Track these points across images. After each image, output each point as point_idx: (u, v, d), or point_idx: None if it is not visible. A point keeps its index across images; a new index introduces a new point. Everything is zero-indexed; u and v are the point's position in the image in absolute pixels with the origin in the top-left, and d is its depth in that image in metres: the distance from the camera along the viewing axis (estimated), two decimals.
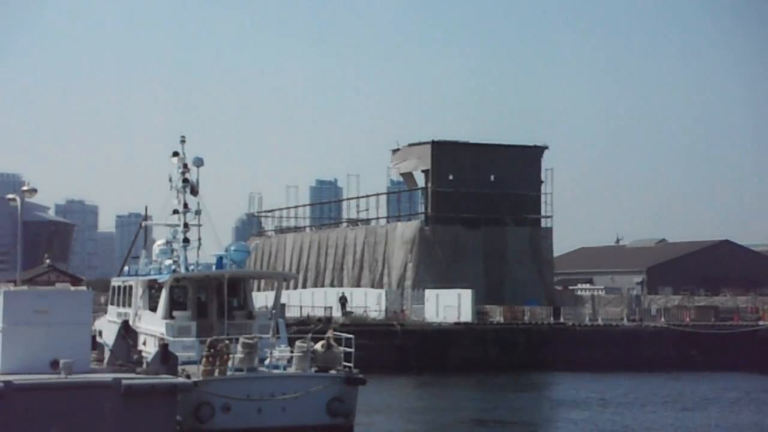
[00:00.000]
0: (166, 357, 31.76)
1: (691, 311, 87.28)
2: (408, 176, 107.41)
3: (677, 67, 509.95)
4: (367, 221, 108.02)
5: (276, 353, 34.10)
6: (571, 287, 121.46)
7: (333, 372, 33.50)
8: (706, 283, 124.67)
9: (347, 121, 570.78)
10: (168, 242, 42.25)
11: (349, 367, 33.98)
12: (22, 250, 42.95)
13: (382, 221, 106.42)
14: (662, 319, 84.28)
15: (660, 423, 46.12)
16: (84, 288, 35.36)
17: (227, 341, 32.99)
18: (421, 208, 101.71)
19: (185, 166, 40.77)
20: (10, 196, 39.96)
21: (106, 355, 35.69)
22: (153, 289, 40.19)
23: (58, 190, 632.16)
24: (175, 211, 41.02)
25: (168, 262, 41.11)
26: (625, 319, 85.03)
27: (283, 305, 60.75)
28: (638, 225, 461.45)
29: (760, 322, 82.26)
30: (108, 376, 29.62)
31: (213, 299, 39.00)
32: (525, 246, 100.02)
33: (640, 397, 55.95)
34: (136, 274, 43.60)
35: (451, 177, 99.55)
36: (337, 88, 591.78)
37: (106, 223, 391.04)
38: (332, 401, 33.00)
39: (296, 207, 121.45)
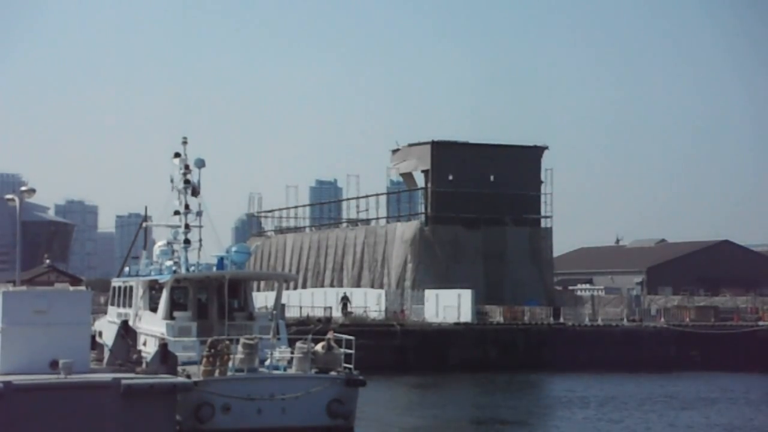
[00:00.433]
0: (165, 357, 31.79)
1: (691, 311, 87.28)
2: (408, 176, 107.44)
3: (677, 67, 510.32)
4: (367, 221, 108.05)
5: (276, 354, 34.10)
6: (570, 287, 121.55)
7: (333, 373, 33.49)
8: (706, 283, 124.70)
9: (347, 121, 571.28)
10: (169, 243, 42.29)
11: (350, 369, 33.97)
12: (21, 251, 42.90)
13: (382, 221, 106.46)
14: (662, 319, 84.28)
15: (660, 423, 46.09)
16: (83, 288, 35.34)
17: (228, 342, 33.00)
18: (420, 209, 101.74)
19: (187, 167, 40.81)
20: (9, 196, 39.97)
21: (106, 355, 35.70)
22: (154, 289, 40.21)
23: (58, 190, 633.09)
24: (177, 212, 41.05)
25: (169, 262, 41.16)
26: (625, 320, 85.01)
27: (283, 305, 60.70)
28: (638, 225, 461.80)
29: (760, 322, 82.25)
30: (107, 376, 29.62)
31: (213, 300, 39.02)
32: (525, 246, 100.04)
33: (639, 397, 55.93)
34: (137, 275, 43.61)
35: (450, 177, 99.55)
36: (337, 88, 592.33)
37: (106, 224, 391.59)
38: (332, 402, 32.99)
39: (296, 207, 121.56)
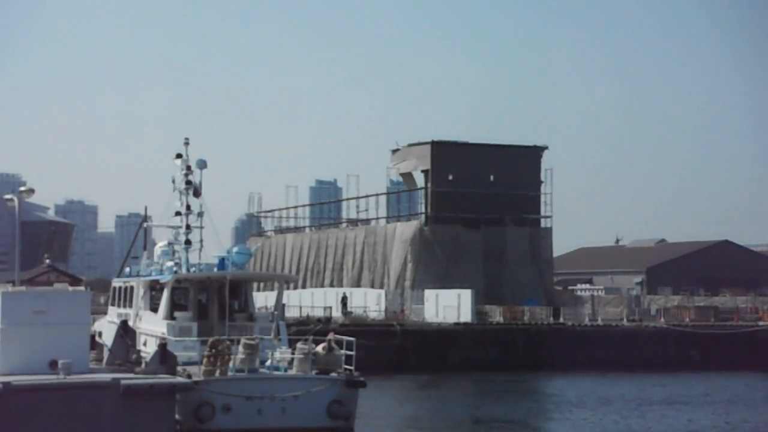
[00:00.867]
0: (164, 357, 31.79)
1: (690, 311, 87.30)
2: (408, 176, 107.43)
3: (677, 67, 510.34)
4: (367, 221, 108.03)
5: (277, 355, 34.09)
6: (570, 287, 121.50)
7: (334, 374, 33.47)
8: (706, 283, 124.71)
9: (347, 121, 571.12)
10: (170, 243, 42.29)
11: (350, 370, 33.95)
12: (21, 251, 42.93)
13: (382, 221, 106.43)
14: (662, 319, 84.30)
15: (659, 422, 46.07)
16: (82, 288, 35.34)
17: (228, 342, 32.99)
18: (420, 208, 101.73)
19: (188, 167, 40.81)
20: (8, 196, 39.99)
21: (105, 355, 35.69)
22: (154, 289, 40.21)
23: (58, 190, 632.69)
24: (178, 213, 41.05)
25: (169, 263, 41.17)
26: (625, 319, 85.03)
27: (283, 305, 60.66)
28: (638, 225, 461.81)
29: (760, 322, 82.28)
30: (107, 376, 29.63)
31: (214, 301, 39.03)
32: (525, 246, 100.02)
33: (639, 397, 55.91)
34: (138, 275, 43.59)
35: (450, 177, 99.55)
36: (337, 88, 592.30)
37: (106, 224, 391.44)
38: (332, 404, 32.97)
39: (296, 207, 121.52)
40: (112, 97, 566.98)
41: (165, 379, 30.24)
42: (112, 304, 45.57)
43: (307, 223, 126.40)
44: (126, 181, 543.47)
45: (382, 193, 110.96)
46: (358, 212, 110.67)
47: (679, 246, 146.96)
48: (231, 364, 32.55)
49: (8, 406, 27.47)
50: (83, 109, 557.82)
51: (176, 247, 41.52)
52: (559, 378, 67.21)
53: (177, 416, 30.66)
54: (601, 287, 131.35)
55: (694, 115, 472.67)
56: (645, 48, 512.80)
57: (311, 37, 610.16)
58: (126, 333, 35.43)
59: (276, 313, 39.71)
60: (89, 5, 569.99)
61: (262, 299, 65.40)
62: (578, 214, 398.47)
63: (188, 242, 40.68)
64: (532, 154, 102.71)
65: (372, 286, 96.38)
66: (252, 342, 33.12)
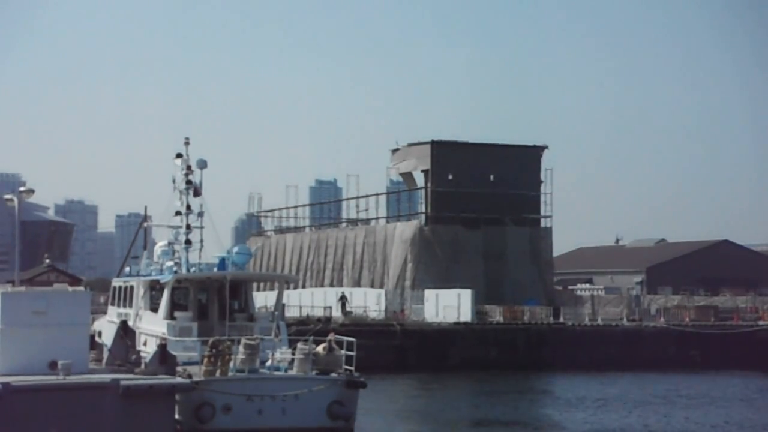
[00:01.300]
0: (164, 357, 31.76)
1: (690, 311, 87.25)
2: (407, 176, 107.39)
3: (677, 66, 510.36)
4: (367, 221, 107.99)
5: (277, 355, 34.06)
6: (570, 287, 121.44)
7: (334, 375, 33.45)
8: (706, 283, 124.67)
9: (347, 121, 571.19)
10: (170, 243, 42.27)
11: (350, 370, 33.92)
12: (21, 251, 42.90)
13: (382, 221, 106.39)
14: (662, 319, 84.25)
15: (659, 422, 46.05)
16: (82, 289, 35.32)
17: (229, 342, 32.96)
18: (420, 208, 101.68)
19: (188, 167, 40.79)
20: (8, 196, 39.97)
21: (105, 355, 35.67)
22: (154, 289, 40.19)
23: (58, 190, 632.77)
24: (178, 213, 41.04)
25: (169, 263, 41.15)
26: (625, 319, 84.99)
27: (283, 305, 60.68)
28: (638, 225, 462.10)
29: (760, 322, 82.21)
30: (106, 377, 29.62)
31: (214, 301, 39.02)
32: (525, 246, 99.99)
33: (639, 397, 55.89)
34: (137, 275, 43.57)
35: (450, 177, 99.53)
36: (337, 88, 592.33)
37: (106, 223, 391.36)
38: (333, 404, 32.94)
39: (296, 207, 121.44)
40: (113, 97, 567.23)
41: (164, 379, 30.21)
42: (112, 304, 45.56)
43: (307, 223, 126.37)
44: (126, 181, 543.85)
45: (382, 193, 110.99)
46: (358, 212, 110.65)
47: (679, 246, 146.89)
48: (231, 364, 32.53)
49: (8, 406, 27.44)
50: (83, 109, 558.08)
51: (176, 247, 41.51)
52: (559, 378, 67.20)
53: (177, 416, 30.66)
54: (601, 287, 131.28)
55: (694, 115, 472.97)
56: (645, 48, 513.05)
57: (311, 37, 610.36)
58: (126, 333, 35.42)
59: (276, 313, 39.69)
60: (89, 5, 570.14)
61: (262, 299, 65.39)
62: (578, 214, 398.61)
63: (188, 242, 40.67)
64: (532, 154, 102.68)
65: (372, 286, 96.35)
66: (252, 342, 33.09)
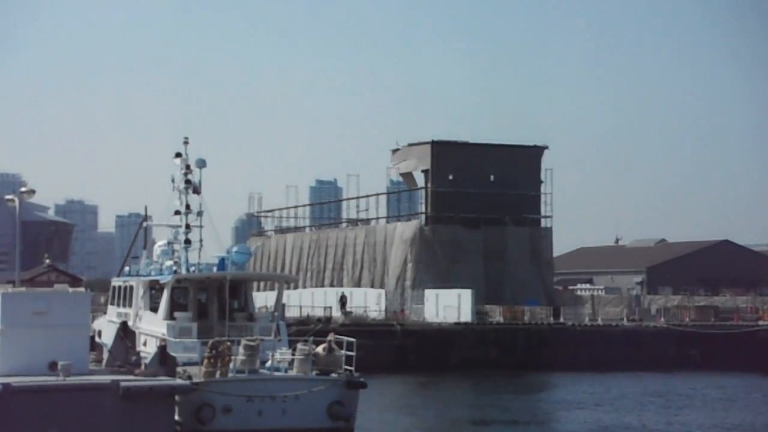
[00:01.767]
0: (164, 358, 31.74)
1: (691, 311, 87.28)
2: (408, 176, 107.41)
3: (677, 66, 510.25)
4: (367, 221, 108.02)
5: (277, 355, 34.05)
6: (570, 287, 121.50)
7: (334, 375, 33.44)
8: (706, 283, 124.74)
9: (347, 121, 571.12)
10: (169, 243, 42.27)
11: (350, 371, 33.92)
12: (21, 251, 42.90)
13: (382, 221, 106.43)
14: (662, 319, 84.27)
15: (659, 422, 46.07)
16: (82, 289, 35.30)
17: (229, 343, 32.94)
18: (420, 208, 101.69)
19: (188, 167, 40.82)
20: (9, 196, 39.98)
21: (105, 356, 35.65)
22: (154, 289, 40.17)
23: (58, 190, 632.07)
24: (177, 212, 41.04)
25: (169, 262, 41.13)
26: (625, 319, 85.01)
27: (283, 305, 60.67)
28: (638, 225, 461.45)
29: (760, 322, 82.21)
30: (106, 378, 29.60)
31: (214, 300, 38.99)
32: (525, 246, 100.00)
33: (639, 397, 55.90)
34: (137, 275, 43.58)
35: (450, 177, 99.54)
36: (337, 88, 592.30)
37: (106, 223, 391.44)
38: (333, 404, 32.92)
39: (296, 207, 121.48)
40: (113, 96, 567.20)
41: (164, 381, 30.19)
42: (112, 304, 45.56)
43: (307, 223, 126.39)
44: (126, 181, 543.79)
45: (382, 193, 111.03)
46: (358, 212, 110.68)
47: (679, 246, 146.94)
48: (231, 365, 32.52)
49: (8, 407, 27.44)
50: (83, 108, 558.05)
51: (176, 247, 41.51)
52: (560, 378, 67.21)
53: (177, 418, 30.63)
54: (601, 287, 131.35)
55: (694, 114, 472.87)
56: (645, 48, 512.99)
57: (311, 36, 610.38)
58: (126, 334, 35.41)
59: (276, 313, 39.69)
60: (89, 5, 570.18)
61: (262, 299, 65.33)
62: (578, 214, 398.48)
63: (188, 241, 40.66)
64: (532, 154, 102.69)
65: (372, 286, 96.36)
66: (252, 343, 33.07)
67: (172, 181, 41.11)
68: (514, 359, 73.04)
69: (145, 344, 37.48)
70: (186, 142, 40.95)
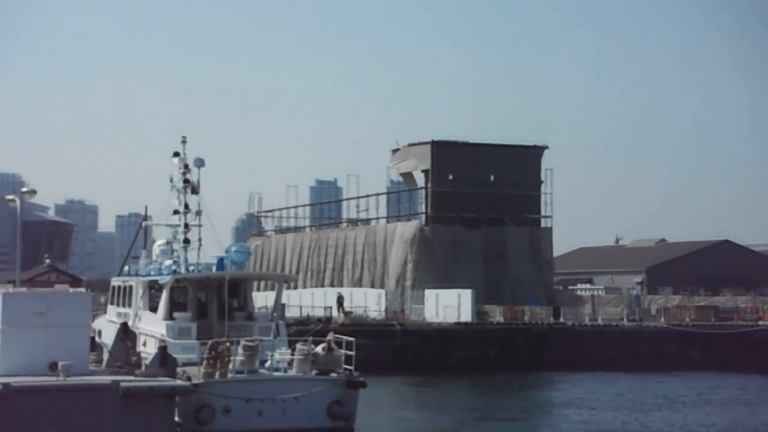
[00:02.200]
0: (164, 359, 31.74)
1: (691, 311, 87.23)
2: (408, 176, 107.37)
3: (677, 67, 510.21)
4: (367, 221, 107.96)
5: (277, 355, 34.05)
6: (570, 287, 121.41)
7: (333, 375, 33.44)
8: (706, 283, 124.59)
9: (347, 121, 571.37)
10: (168, 242, 42.25)
11: (350, 370, 33.92)
12: (22, 251, 42.86)
13: (382, 221, 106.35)
14: (662, 319, 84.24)
15: (659, 422, 46.07)
16: (83, 290, 35.32)
17: (228, 343, 32.94)
18: (420, 208, 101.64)
19: (186, 166, 40.84)
20: (10, 197, 39.96)
21: (105, 356, 35.66)
22: (153, 289, 40.16)
23: (58, 190, 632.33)
24: (176, 212, 41.04)
25: (168, 262, 41.12)
26: (625, 319, 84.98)
27: (283, 305, 60.69)
28: (638, 225, 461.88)
29: (760, 322, 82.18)
30: (106, 379, 29.60)
31: (213, 300, 38.99)
32: (525, 246, 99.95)
33: (639, 397, 55.91)
34: (137, 275, 43.57)
35: (451, 177, 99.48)
36: (337, 88, 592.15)
37: (106, 223, 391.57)
38: (333, 404, 32.94)
39: (296, 207, 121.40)
40: (113, 96, 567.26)
41: (165, 381, 30.20)
42: (111, 304, 45.57)
43: (307, 223, 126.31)
44: (126, 180, 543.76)
45: (382, 193, 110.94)
46: (358, 212, 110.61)
47: (679, 246, 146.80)
48: (230, 365, 32.51)
49: (8, 407, 27.46)
50: (83, 108, 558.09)
51: (175, 246, 41.50)
52: (560, 378, 67.21)
53: (177, 419, 30.64)
54: (601, 287, 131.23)
55: (694, 115, 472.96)
56: (645, 48, 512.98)
57: (311, 36, 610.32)
58: (126, 335, 35.41)
59: (275, 313, 39.70)
60: (89, 6, 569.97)
61: (263, 299, 65.34)
62: (578, 214, 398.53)
63: (187, 241, 40.66)
64: (532, 154, 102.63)
65: (372, 286, 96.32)
66: (252, 343, 33.07)
67: (171, 180, 41.13)
68: (514, 359, 73.02)
69: (145, 344, 37.48)
70: (184, 142, 40.97)
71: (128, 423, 28.33)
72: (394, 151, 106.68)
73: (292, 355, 33.76)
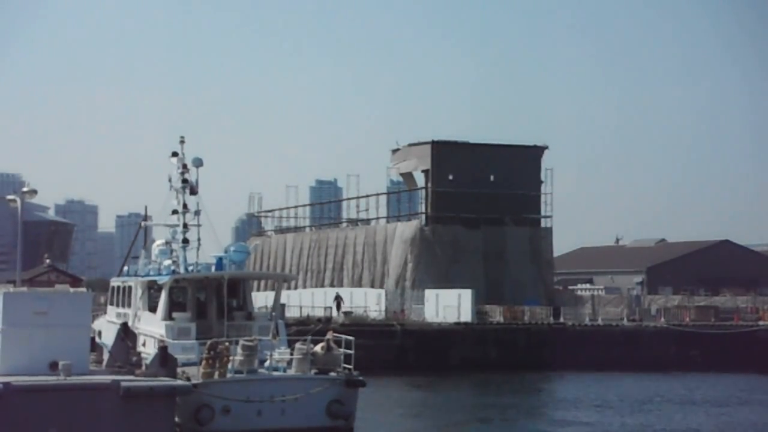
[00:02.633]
0: (165, 359, 31.77)
1: (691, 311, 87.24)
2: (408, 176, 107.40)
3: (677, 66, 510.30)
4: (367, 221, 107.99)
5: (276, 355, 34.06)
6: (571, 287, 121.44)
7: (333, 374, 33.46)
8: (706, 283, 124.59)
9: (347, 121, 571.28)
10: (167, 242, 42.25)
11: (349, 369, 33.94)
12: (22, 251, 42.87)
13: (382, 221, 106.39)
14: (662, 319, 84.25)
15: (659, 423, 46.09)
16: (83, 289, 35.34)
17: (227, 343, 32.96)
18: (420, 208, 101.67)
19: (184, 166, 40.86)
20: (11, 197, 39.95)
21: (105, 356, 35.68)
22: (152, 289, 40.19)
23: (58, 190, 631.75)
24: (175, 212, 41.05)
25: (167, 262, 41.12)
26: (625, 319, 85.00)
27: (283, 305, 60.74)
28: (638, 225, 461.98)
29: (760, 322, 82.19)
30: (107, 378, 29.63)
31: (212, 300, 39.01)
32: (525, 246, 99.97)
33: (639, 397, 55.91)
34: (136, 275, 43.59)
35: (450, 177, 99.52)
36: (337, 88, 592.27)
37: (106, 223, 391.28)
38: (332, 403, 32.97)
39: (296, 207, 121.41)
40: (113, 96, 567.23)
41: (165, 381, 30.23)
42: (111, 304, 45.60)
43: (307, 223, 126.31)
44: (126, 180, 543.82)
45: (382, 193, 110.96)
46: (358, 212, 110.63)
47: (679, 246, 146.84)
48: (230, 365, 32.53)
49: (8, 406, 27.49)
50: (83, 108, 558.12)
51: (174, 246, 41.51)
52: (560, 378, 67.25)
53: (176, 419, 30.66)
54: (601, 287, 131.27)
55: (694, 115, 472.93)
56: (645, 48, 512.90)
57: (311, 36, 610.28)
58: (126, 335, 35.43)
59: (274, 312, 39.72)
60: (89, 5, 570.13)
61: (263, 299, 65.37)
62: (578, 214, 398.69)
63: (186, 241, 40.67)
64: (532, 154, 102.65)
65: (372, 286, 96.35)
66: (251, 343, 33.09)
67: (169, 180, 41.15)
68: (514, 359, 73.02)
69: (144, 345, 37.51)
70: (182, 142, 41.00)
71: (128, 423, 28.35)
72: (394, 151, 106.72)
73: (292, 354, 33.79)
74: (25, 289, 33.56)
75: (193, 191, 40.81)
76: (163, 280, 38.75)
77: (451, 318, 78.43)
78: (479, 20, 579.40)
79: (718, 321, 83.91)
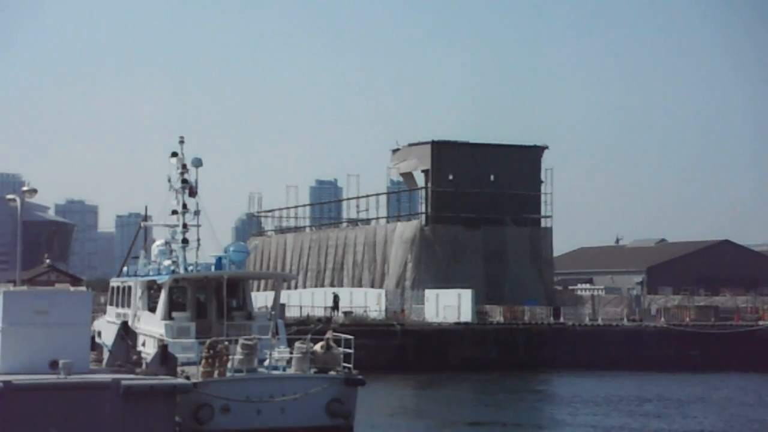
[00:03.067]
0: (165, 358, 31.77)
1: (691, 311, 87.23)
2: (408, 176, 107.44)
3: (677, 67, 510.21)
4: (367, 221, 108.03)
5: (275, 354, 34.08)
6: (571, 287, 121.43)
7: (332, 373, 33.47)
8: (706, 283, 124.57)
9: (347, 121, 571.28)
10: (167, 243, 42.25)
11: (349, 368, 33.95)
12: (22, 251, 42.88)
13: (382, 221, 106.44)
14: (662, 319, 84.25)
15: (659, 423, 46.11)
16: (83, 289, 35.33)
17: (227, 342, 32.98)
18: (420, 208, 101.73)
19: (184, 166, 40.83)
20: (10, 196, 39.96)
21: (105, 355, 35.69)
22: (152, 289, 40.21)
23: (58, 190, 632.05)
24: (174, 212, 41.04)
25: (167, 262, 41.11)
26: (625, 319, 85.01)
27: (283, 305, 60.77)
28: (638, 225, 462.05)
29: (760, 322, 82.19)
30: (107, 377, 29.63)
31: (212, 300, 39.03)
32: (525, 246, 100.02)
33: (639, 397, 55.93)
34: (135, 275, 43.60)
35: (450, 177, 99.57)
36: (337, 88, 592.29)
37: (106, 223, 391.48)
38: (332, 402, 32.98)
39: (296, 207, 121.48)
40: (113, 96, 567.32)
41: (165, 380, 30.25)
42: (111, 304, 45.60)
43: (307, 223, 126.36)
44: (126, 181, 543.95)
45: (382, 193, 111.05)
46: (358, 212, 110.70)
47: (679, 246, 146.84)
48: (229, 364, 32.54)
49: (8, 405, 27.49)
50: (83, 109, 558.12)
51: (173, 246, 41.51)
52: (560, 378, 67.25)
53: (176, 418, 30.66)
54: (602, 287, 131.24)
55: (694, 115, 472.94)
56: (645, 48, 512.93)
57: (311, 36, 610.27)
58: (126, 334, 35.44)
59: (274, 312, 39.73)
60: (89, 5, 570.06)
61: (263, 299, 65.41)
62: (578, 214, 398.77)
63: (185, 241, 40.66)
64: (532, 154, 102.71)
65: (372, 286, 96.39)
66: (250, 342, 33.11)
67: (169, 181, 41.15)
68: (514, 359, 73.09)
69: (144, 344, 37.52)
70: (182, 142, 40.97)
71: (129, 421, 28.35)
72: (394, 151, 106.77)
73: (291, 353, 33.80)
74: (25, 288, 33.57)
75: (192, 193, 40.76)
76: (163, 279, 38.77)
77: (451, 318, 78.46)
78: (479, 20, 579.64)
79: (718, 321, 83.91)
